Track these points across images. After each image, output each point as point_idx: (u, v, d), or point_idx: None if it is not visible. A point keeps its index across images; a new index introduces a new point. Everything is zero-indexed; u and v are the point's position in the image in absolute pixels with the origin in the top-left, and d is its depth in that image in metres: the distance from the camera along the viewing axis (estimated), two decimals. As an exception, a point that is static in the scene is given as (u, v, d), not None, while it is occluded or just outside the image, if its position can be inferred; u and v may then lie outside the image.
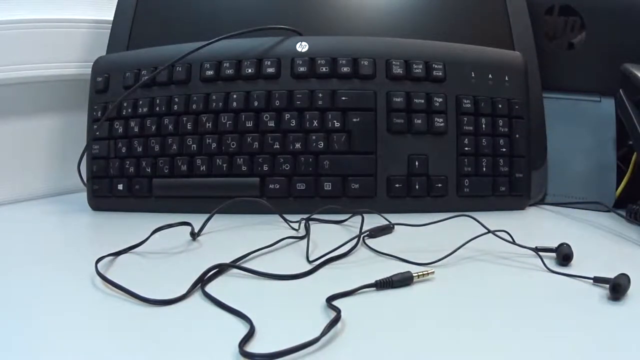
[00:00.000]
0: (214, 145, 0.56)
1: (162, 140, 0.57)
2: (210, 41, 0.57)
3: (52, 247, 0.47)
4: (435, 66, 0.57)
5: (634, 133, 0.53)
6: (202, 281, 0.37)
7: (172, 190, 0.57)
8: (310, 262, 0.42)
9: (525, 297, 0.35)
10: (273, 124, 0.56)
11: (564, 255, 0.41)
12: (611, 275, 0.36)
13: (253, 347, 0.28)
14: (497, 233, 0.44)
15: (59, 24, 0.67)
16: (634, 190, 0.57)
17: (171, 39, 0.61)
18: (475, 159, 0.57)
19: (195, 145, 0.56)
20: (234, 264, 0.40)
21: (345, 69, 0.56)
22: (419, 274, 0.37)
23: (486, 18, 0.64)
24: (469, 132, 0.57)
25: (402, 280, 0.37)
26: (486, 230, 0.44)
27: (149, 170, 0.57)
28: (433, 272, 0.38)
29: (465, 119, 0.57)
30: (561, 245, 0.42)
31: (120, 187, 0.58)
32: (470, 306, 0.34)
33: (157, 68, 0.58)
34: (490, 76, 0.58)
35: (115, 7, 0.66)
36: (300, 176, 0.55)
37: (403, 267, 0.39)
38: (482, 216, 0.46)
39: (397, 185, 0.56)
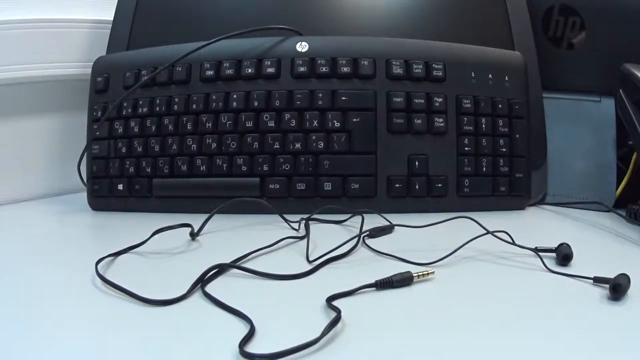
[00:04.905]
0: (214, 145, 0.56)
1: (162, 140, 0.57)
2: (210, 41, 0.57)
3: (52, 247, 0.47)
4: (435, 66, 0.57)
5: (634, 133, 0.53)
6: (202, 281, 0.37)
7: (172, 190, 0.57)
8: (310, 262, 0.42)
9: (525, 297, 0.35)
10: (273, 124, 0.56)
11: (563, 255, 0.41)
12: (611, 275, 0.36)
13: (253, 347, 0.28)
14: (497, 234, 0.44)
15: (59, 24, 0.67)
16: (634, 190, 0.57)
17: (171, 39, 0.61)
18: (475, 159, 0.57)
19: (195, 145, 0.56)
20: (234, 264, 0.40)
21: (345, 69, 0.56)
22: (419, 274, 0.37)
23: (486, 18, 0.64)
24: (469, 132, 0.57)
25: (402, 280, 0.37)
26: (486, 231, 0.44)
27: (149, 170, 0.57)
28: (433, 272, 0.38)
29: (465, 119, 0.57)
30: (561, 245, 0.42)
31: (120, 187, 0.58)
32: (470, 306, 0.34)
33: (157, 68, 0.58)
34: (490, 76, 0.58)
35: (115, 7, 0.66)
36: (300, 176, 0.55)
37: (403, 267, 0.39)
38: (482, 216, 0.46)
39: (397, 185, 0.56)
